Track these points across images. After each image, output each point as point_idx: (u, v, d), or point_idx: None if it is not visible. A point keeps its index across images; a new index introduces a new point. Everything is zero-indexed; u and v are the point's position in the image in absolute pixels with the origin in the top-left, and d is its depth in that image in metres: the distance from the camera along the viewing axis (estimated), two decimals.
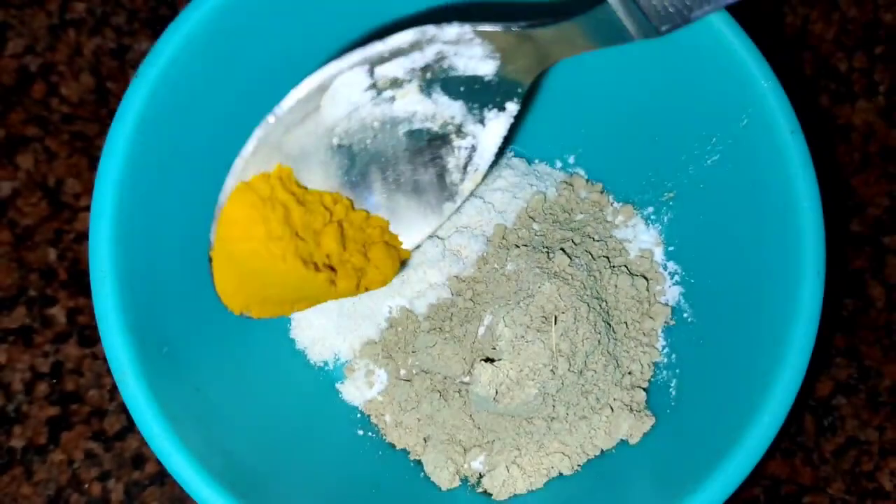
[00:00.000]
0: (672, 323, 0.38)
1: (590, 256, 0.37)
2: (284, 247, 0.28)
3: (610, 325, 0.36)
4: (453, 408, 0.36)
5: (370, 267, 0.32)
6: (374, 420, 0.38)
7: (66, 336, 0.41)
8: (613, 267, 0.37)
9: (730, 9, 0.31)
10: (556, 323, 0.34)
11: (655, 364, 0.37)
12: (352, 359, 0.39)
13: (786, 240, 0.32)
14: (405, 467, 0.37)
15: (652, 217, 0.39)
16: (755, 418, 0.30)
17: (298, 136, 0.28)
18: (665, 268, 0.38)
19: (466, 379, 0.36)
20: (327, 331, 0.38)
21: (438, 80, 0.28)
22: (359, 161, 0.29)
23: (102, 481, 0.39)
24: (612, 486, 0.35)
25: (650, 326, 0.37)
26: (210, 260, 0.29)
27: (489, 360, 0.34)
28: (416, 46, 0.27)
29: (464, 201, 0.32)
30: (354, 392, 0.38)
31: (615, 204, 0.40)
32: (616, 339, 0.36)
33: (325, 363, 0.39)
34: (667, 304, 0.38)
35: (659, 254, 0.39)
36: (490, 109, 0.29)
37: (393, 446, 0.37)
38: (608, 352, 0.35)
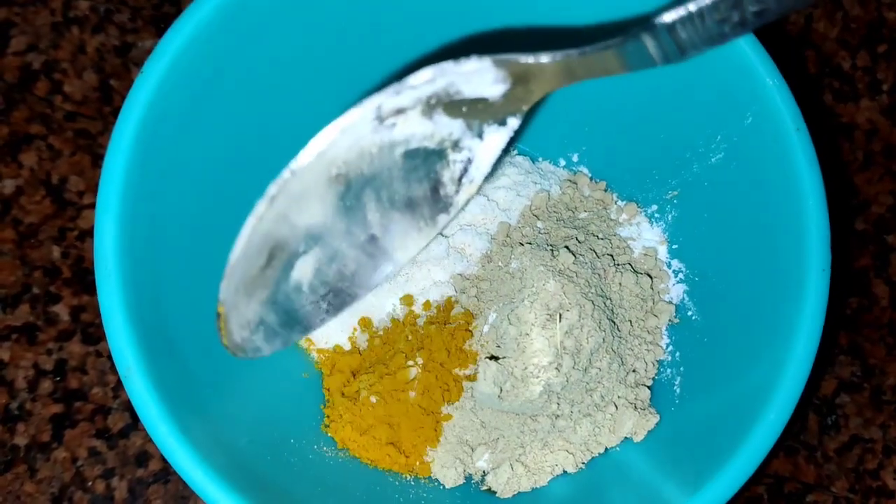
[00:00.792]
0: (676, 321, 0.38)
1: (594, 254, 0.37)
2: None
3: (614, 323, 0.36)
4: (462, 408, 0.36)
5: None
6: None
7: (70, 334, 0.41)
8: (618, 265, 0.37)
9: None
10: (560, 320, 0.34)
11: (659, 362, 0.37)
12: None
13: (790, 237, 0.32)
14: None
15: (656, 215, 0.39)
16: (760, 416, 0.30)
17: (303, 176, 0.27)
18: (669, 266, 0.38)
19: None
20: (331, 328, 0.38)
21: (442, 104, 0.27)
22: (354, 186, 0.28)
23: (106, 479, 0.39)
24: (616, 484, 0.35)
25: (654, 324, 0.37)
26: (217, 316, 0.28)
27: (494, 357, 0.34)
28: (429, 82, 0.27)
29: (458, 213, 0.32)
30: None
31: (619, 202, 0.40)
32: (620, 337, 0.36)
33: None
34: (671, 302, 0.38)
35: (663, 252, 0.39)
36: (490, 125, 0.28)
37: None
38: (612, 349, 0.35)
